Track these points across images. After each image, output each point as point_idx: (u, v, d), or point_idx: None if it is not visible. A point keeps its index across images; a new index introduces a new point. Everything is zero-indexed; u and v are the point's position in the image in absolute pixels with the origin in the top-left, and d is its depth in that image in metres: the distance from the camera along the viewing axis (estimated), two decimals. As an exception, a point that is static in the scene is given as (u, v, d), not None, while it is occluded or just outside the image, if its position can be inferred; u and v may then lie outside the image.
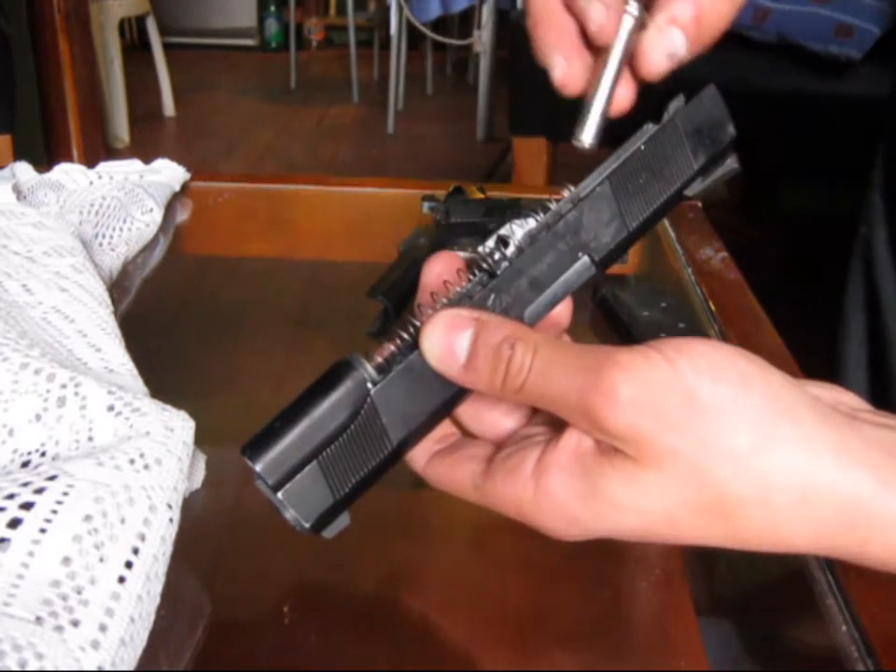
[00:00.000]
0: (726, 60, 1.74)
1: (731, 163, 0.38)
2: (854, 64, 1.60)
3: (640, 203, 0.37)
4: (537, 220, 0.36)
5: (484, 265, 0.36)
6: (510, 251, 0.36)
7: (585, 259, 0.36)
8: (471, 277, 0.36)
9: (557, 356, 0.33)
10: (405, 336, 0.35)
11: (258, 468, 0.34)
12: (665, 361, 0.31)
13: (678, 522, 0.32)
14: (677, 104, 0.38)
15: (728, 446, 0.31)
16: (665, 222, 0.75)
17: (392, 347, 0.35)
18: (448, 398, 0.35)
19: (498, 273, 0.35)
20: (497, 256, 0.36)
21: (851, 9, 1.59)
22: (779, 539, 0.32)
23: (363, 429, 0.35)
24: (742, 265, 0.67)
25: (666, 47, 0.39)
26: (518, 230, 0.36)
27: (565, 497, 0.32)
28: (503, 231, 0.36)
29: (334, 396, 0.34)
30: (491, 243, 0.36)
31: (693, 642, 0.37)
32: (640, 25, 0.39)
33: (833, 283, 0.92)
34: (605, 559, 0.42)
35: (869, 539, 0.31)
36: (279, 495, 0.34)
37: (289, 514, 0.35)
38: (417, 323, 0.35)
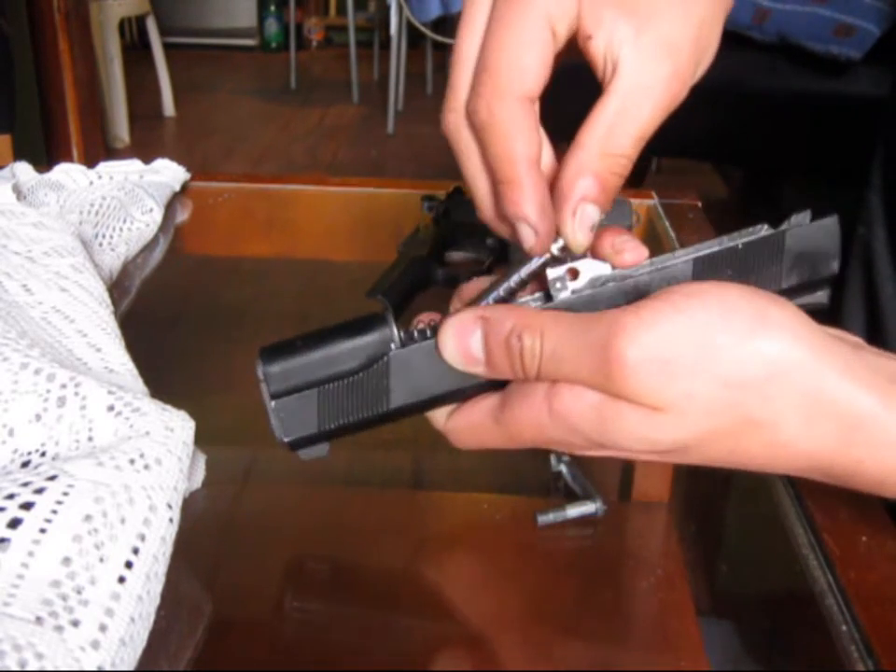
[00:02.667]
0: (726, 60, 1.74)
1: (820, 297, 0.38)
2: (854, 64, 1.60)
3: None
4: (612, 268, 0.36)
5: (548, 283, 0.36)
6: (575, 284, 0.36)
7: None
8: (524, 289, 0.38)
9: (565, 334, 0.34)
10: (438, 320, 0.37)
11: (265, 372, 0.37)
12: (673, 309, 0.33)
13: (687, 446, 0.34)
14: (799, 218, 0.37)
15: (742, 378, 0.32)
16: (665, 222, 0.75)
17: (424, 324, 0.37)
18: (453, 389, 0.37)
19: (556, 299, 0.36)
20: (560, 284, 0.36)
21: (851, 9, 1.59)
22: (781, 456, 0.34)
23: (369, 382, 0.37)
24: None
25: (585, 224, 0.36)
26: (591, 268, 0.36)
27: (579, 420, 0.34)
28: (577, 263, 0.36)
29: (358, 340, 0.37)
30: (562, 269, 0.36)
31: (693, 642, 0.37)
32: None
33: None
34: (605, 559, 0.42)
35: (865, 459, 0.33)
36: (273, 403, 0.37)
37: (275, 425, 0.37)
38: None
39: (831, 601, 0.38)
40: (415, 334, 0.37)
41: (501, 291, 0.38)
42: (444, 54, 4.68)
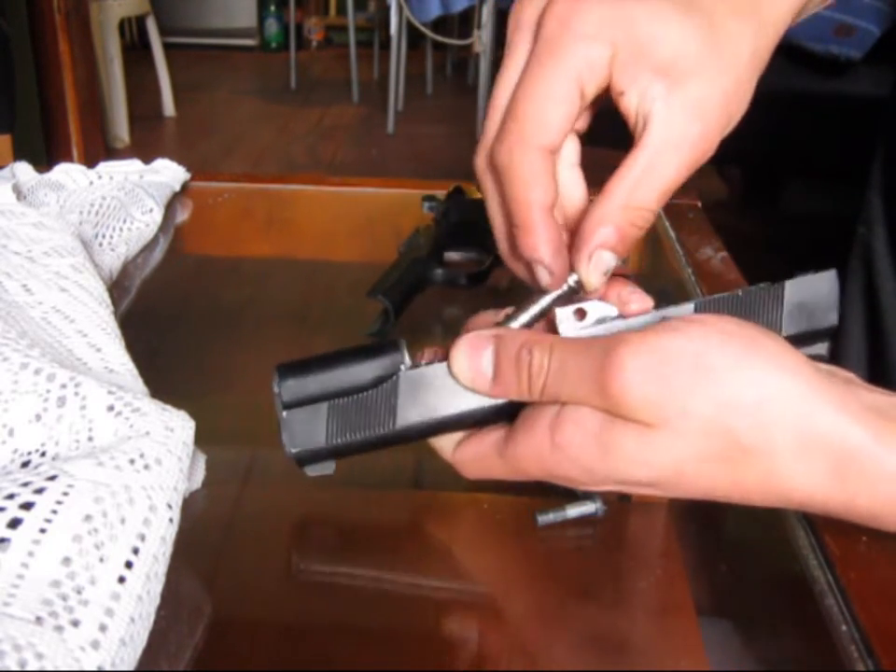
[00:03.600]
0: (726, 60, 1.74)
1: (818, 349, 0.39)
2: (854, 64, 1.60)
3: None
4: (617, 311, 0.38)
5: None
6: (582, 323, 0.38)
7: None
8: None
9: (572, 349, 0.35)
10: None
11: (280, 384, 0.38)
12: (673, 330, 0.34)
13: (685, 473, 0.34)
14: (800, 276, 0.38)
15: (736, 401, 0.33)
16: (666, 222, 0.75)
17: (433, 354, 0.39)
18: (459, 412, 0.38)
19: (561, 334, 0.38)
20: (567, 323, 0.38)
21: (851, 9, 1.59)
22: (778, 489, 0.34)
23: (377, 399, 0.38)
24: (742, 265, 0.67)
25: (600, 269, 0.39)
26: (597, 309, 0.38)
27: (579, 451, 0.35)
28: (584, 304, 0.38)
29: (369, 361, 0.38)
30: (570, 309, 0.38)
31: (693, 642, 0.37)
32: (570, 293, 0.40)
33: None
34: (605, 559, 0.42)
35: (859, 493, 0.33)
36: (284, 414, 0.38)
37: (284, 436, 0.39)
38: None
39: (831, 601, 0.38)
40: (424, 360, 0.39)
41: (515, 325, 0.40)
42: (444, 54, 4.68)
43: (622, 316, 0.38)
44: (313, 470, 0.39)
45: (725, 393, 0.33)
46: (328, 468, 0.39)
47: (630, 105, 0.38)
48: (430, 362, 0.39)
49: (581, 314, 0.38)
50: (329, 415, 0.38)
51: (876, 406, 0.34)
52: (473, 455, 0.39)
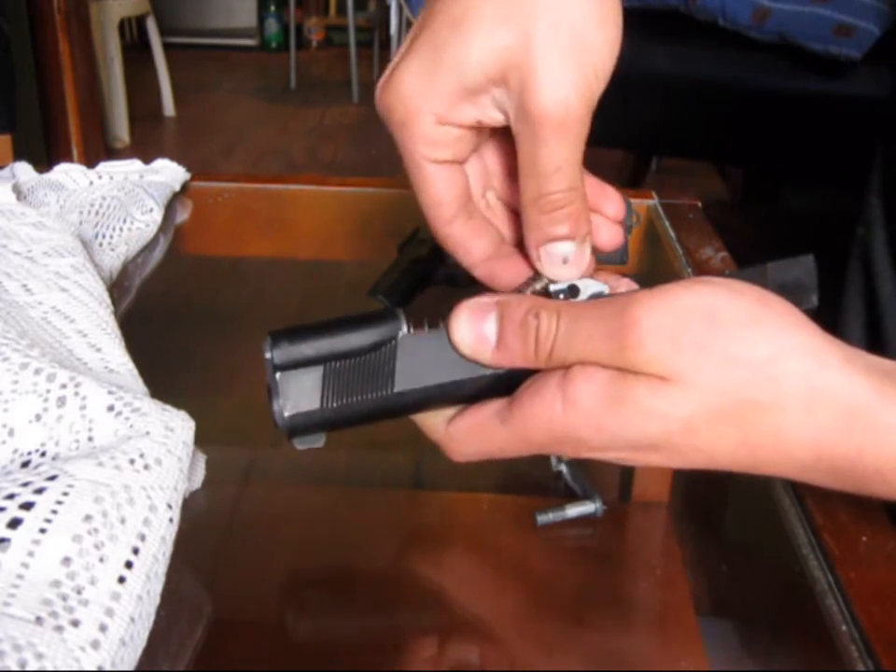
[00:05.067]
0: (726, 60, 1.74)
1: None
2: (854, 64, 1.60)
3: None
4: (608, 287, 0.39)
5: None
6: (575, 300, 0.39)
7: None
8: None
9: (581, 312, 0.35)
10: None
11: (272, 345, 0.37)
12: (683, 289, 0.34)
13: (696, 431, 0.34)
14: (780, 259, 0.40)
15: (746, 356, 0.33)
16: (666, 222, 0.75)
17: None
18: (458, 379, 0.37)
19: None
20: (563, 297, 0.39)
21: (851, 9, 1.59)
22: (785, 446, 0.34)
23: (375, 363, 0.37)
24: (742, 265, 0.67)
25: (555, 262, 0.40)
26: (590, 286, 0.39)
27: (591, 403, 0.34)
28: (577, 282, 0.39)
29: (367, 327, 0.37)
30: (563, 286, 0.39)
31: (693, 642, 0.38)
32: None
33: (832, 283, 0.92)
34: (605, 559, 0.42)
35: (864, 447, 0.34)
36: (277, 376, 0.37)
37: (276, 401, 0.37)
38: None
39: (831, 601, 0.38)
40: (426, 326, 0.38)
41: None
42: (444, 54, 4.67)
43: (611, 295, 0.39)
44: (302, 443, 0.38)
45: (737, 348, 0.33)
46: (317, 440, 0.38)
47: (495, 119, 0.40)
48: (433, 322, 0.38)
49: (573, 291, 0.39)
50: (325, 378, 0.37)
51: (880, 365, 0.35)
52: (470, 427, 0.38)
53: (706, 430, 0.34)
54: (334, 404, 0.37)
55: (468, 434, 0.38)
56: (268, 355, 0.37)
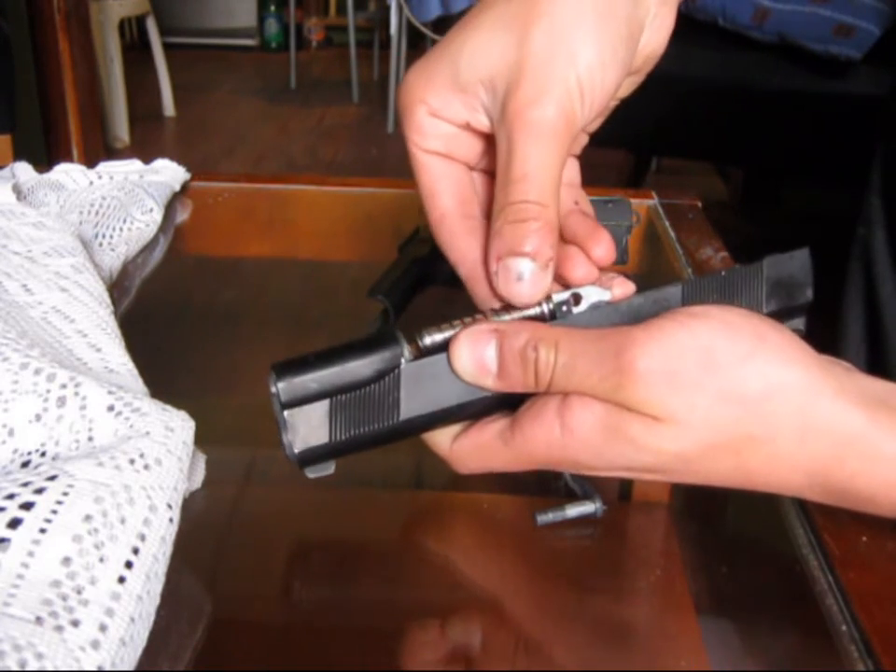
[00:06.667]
0: (726, 60, 1.74)
1: (796, 324, 0.40)
2: (854, 64, 1.60)
3: None
4: (612, 294, 0.39)
5: (545, 309, 0.39)
6: (578, 308, 0.39)
7: None
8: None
9: (579, 346, 0.36)
10: (445, 333, 0.38)
11: (277, 384, 0.37)
12: (679, 326, 0.35)
13: (690, 460, 0.35)
14: (776, 255, 0.40)
15: (741, 393, 0.34)
16: (666, 222, 0.75)
17: (433, 337, 0.38)
18: (462, 402, 0.38)
19: (559, 320, 0.38)
20: (565, 307, 0.39)
21: (851, 9, 1.59)
22: (779, 474, 0.35)
23: (380, 393, 0.38)
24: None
25: (511, 278, 0.38)
26: (592, 294, 0.39)
27: (588, 433, 0.35)
28: (581, 290, 0.39)
29: (368, 355, 0.38)
30: (566, 294, 0.39)
31: (693, 642, 0.38)
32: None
33: (832, 283, 0.92)
34: (605, 559, 0.42)
35: (857, 474, 0.34)
36: (285, 413, 0.37)
37: (285, 437, 0.38)
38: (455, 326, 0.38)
39: (831, 601, 0.38)
40: (425, 340, 0.38)
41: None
42: (444, 54, 4.66)
43: (613, 302, 0.39)
44: (313, 472, 0.39)
45: (732, 387, 0.34)
46: (328, 468, 0.39)
47: (482, 124, 0.40)
48: (431, 349, 0.38)
49: (576, 298, 0.39)
50: (332, 412, 0.38)
51: (875, 393, 0.35)
52: (474, 446, 0.39)
53: (699, 460, 0.35)
54: (343, 437, 0.38)
55: (471, 453, 0.39)
56: (273, 389, 0.37)
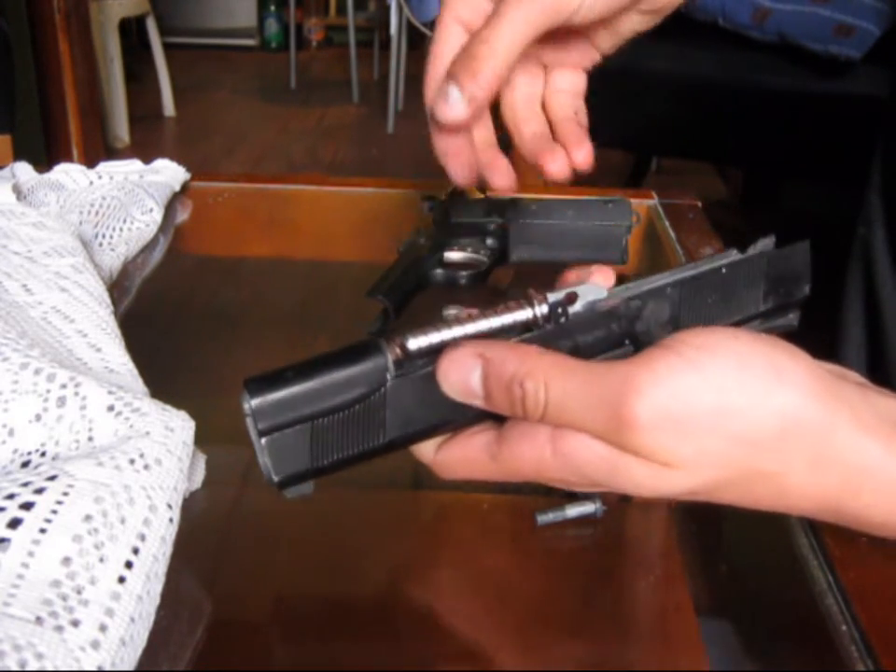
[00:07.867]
0: (726, 60, 1.74)
1: (791, 319, 0.39)
2: (854, 64, 1.60)
3: (700, 319, 0.37)
4: (608, 292, 0.37)
5: (538, 310, 0.36)
6: (574, 308, 0.36)
7: (630, 348, 0.37)
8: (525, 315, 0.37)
9: (571, 385, 0.33)
10: (431, 338, 0.35)
11: (253, 405, 0.33)
12: (687, 365, 0.32)
13: (697, 493, 0.34)
14: (765, 242, 0.38)
15: (756, 436, 0.32)
16: (666, 222, 0.75)
17: (418, 341, 0.35)
18: (450, 419, 0.36)
19: (551, 324, 0.36)
20: (560, 309, 0.36)
21: (851, 9, 1.59)
22: (790, 501, 0.34)
23: (365, 414, 0.35)
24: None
25: (440, 96, 0.47)
26: (588, 292, 0.37)
27: (584, 465, 0.34)
28: (577, 288, 0.37)
29: (353, 371, 0.34)
30: (562, 294, 0.36)
31: (693, 642, 0.37)
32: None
33: (832, 283, 0.92)
34: (605, 559, 0.42)
35: (871, 504, 0.34)
36: (263, 441, 0.34)
37: (263, 463, 0.35)
38: (446, 335, 0.35)
39: (831, 601, 0.38)
40: (411, 344, 0.35)
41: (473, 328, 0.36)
42: (444, 54, 4.66)
43: (610, 300, 0.37)
44: (291, 493, 0.36)
45: (747, 430, 0.32)
46: (306, 488, 0.36)
47: None
48: (417, 354, 0.35)
49: (571, 297, 0.37)
50: (313, 437, 0.35)
51: (889, 415, 0.34)
52: (459, 457, 0.37)
53: (706, 493, 0.34)
54: (325, 462, 0.35)
55: (456, 463, 0.37)
56: (247, 408, 0.34)
